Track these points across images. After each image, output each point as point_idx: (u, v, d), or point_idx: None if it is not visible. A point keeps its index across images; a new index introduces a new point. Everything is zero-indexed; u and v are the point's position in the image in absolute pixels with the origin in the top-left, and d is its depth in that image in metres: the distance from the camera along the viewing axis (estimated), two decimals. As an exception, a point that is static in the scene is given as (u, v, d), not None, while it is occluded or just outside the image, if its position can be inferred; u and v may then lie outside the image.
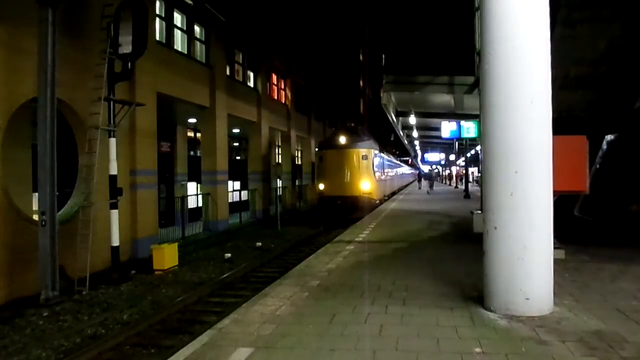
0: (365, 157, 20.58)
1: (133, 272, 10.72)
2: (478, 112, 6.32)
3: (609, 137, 15.35)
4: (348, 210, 19.35)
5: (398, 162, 40.24)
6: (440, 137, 31.51)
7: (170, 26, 15.25)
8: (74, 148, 10.67)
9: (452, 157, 48.70)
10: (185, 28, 16.30)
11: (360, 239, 10.62)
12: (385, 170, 26.83)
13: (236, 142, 25.69)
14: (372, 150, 21.36)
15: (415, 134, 38.22)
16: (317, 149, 23.68)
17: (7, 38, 8.56)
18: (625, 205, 13.67)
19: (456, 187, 40.88)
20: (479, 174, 28.37)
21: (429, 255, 8.47)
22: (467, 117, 22.16)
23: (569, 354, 3.80)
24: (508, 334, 4.26)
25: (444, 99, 19.90)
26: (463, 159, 38.33)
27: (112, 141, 10.24)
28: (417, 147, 59.61)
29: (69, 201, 10.53)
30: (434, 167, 64.26)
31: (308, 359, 3.89)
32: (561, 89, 10.98)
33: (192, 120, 19.52)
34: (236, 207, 20.55)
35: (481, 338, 4.18)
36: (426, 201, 23.90)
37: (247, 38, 20.89)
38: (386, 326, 4.57)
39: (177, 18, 15.95)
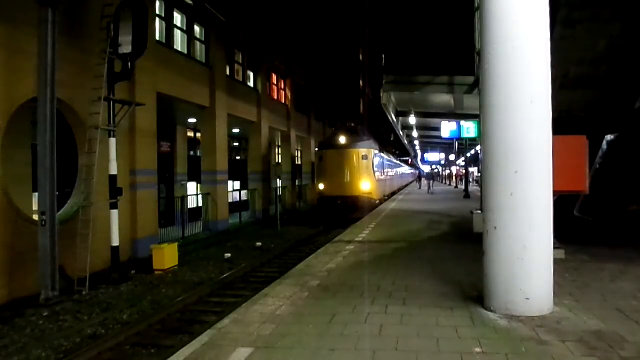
0: (365, 157, 20.58)
1: (133, 272, 10.72)
2: (478, 112, 6.32)
3: (609, 137, 15.35)
4: (348, 210, 19.35)
5: (398, 162, 40.24)
6: (440, 137, 31.53)
7: (170, 26, 15.25)
8: (74, 148, 10.67)
9: (452, 157, 48.71)
10: (185, 28, 16.31)
11: (360, 239, 10.62)
12: (385, 170, 26.83)
13: (236, 142, 25.70)
14: (372, 150, 21.36)
15: (415, 134, 38.24)
16: (317, 149, 23.68)
17: (7, 38, 8.56)
18: (625, 205, 13.68)
19: (456, 187, 40.89)
20: (479, 174, 28.39)
21: (429, 255, 8.47)
22: (467, 117, 22.17)
23: (569, 354, 3.80)
24: (508, 334, 4.26)
25: (444, 99, 19.91)
26: (463, 159, 38.34)
27: (112, 141, 10.24)
28: (417, 147, 59.64)
29: (69, 201, 10.53)
30: (433, 167, 64.27)
31: (308, 359, 3.89)
32: (561, 89, 10.98)
33: (192, 120, 19.52)
34: (236, 207, 20.56)
35: (481, 338, 4.18)
36: (426, 201, 23.90)
37: (247, 38, 20.89)
38: (386, 326, 4.57)
39: (177, 18, 15.96)
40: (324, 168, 21.06)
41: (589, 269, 6.91)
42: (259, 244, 14.85)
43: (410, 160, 64.66)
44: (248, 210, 21.62)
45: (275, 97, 25.85)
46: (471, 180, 40.70)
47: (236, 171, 22.90)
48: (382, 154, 25.01)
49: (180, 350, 4.18)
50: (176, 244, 11.99)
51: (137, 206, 12.48)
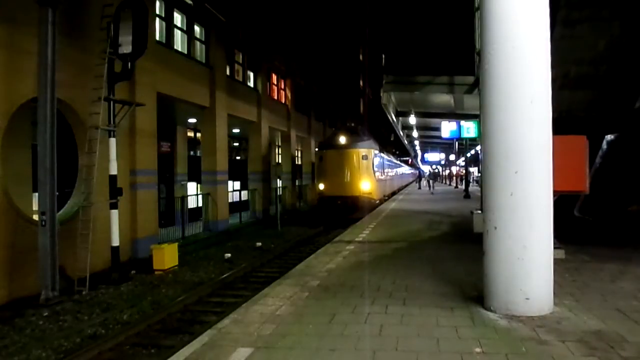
0: (365, 157, 20.58)
1: (133, 272, 10.72)
2: (478, 112, 6.32)
3: (609, 137, 15.34)
4: (348, 210, 19.35)
5: (398, 162, 40.24)
6: (440, 137, 31.52)
7: (170, 26, 15.25)
8: (74, 148, 10.67)
9: (452, 157, 48.70)
10: (185, 28, 16.31)
11: (360, 239, 10.62)
12: (385, 170, 26.83)
13: (236, 142, 25.70)
14: (372, 150, 21.36)
15: (415, 134, 38.23)
16: (317, 149, 23.68)
17: (7, 38, 8.56)
18: (625, 205, 13.68)
19: (456, 187, 40.88)
20: (479, 174, 28.37)
21: (429, 255, 8.47)
22: (467, 117, 22.16)
23: (569, 354, 3.80)
24: (508, 334, 4.26)
25: (444, 99, 19.91)
26: (463, 159, 38.32)
27: (112, 141, 10.24)
28: (417, 147, 59.63)
29: (69, 201, 10.53)
30: (434, 167, 64.27)
31: (308, 359, 3.89)
32: (561, 89, 10.99)
33: (192, 120, 19.53)
34: (236, 207, 20.56)
35: (481, 338, 4.18)
36: (426, 201, 23.91)
37: (247, 38, 20.89)
38: (386, 326, 4.57)
39: (177, 18, 15.96)
40: (324, 168, 21.06)
41: (589, 269, 6.91)
42: (259, 244, 14.84)
43: (410, 160, 64.65)
44: (248, 210, 21.61)
45: (275, 97, 25.85)
46: (471, 180, 40.68)
47: (236, 171, 22.90)
48: (382, 154, 25.01)
49: (180, 350, 4.18)
50: (176, 244, 11.99)
51: (137, 206, 12.48)
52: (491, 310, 4.83)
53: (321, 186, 20.79)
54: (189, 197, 17.85)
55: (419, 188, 40.21)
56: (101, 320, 7.58)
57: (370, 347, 4.06)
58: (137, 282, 10.06)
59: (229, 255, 12.82)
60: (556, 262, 5.13)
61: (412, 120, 26.88)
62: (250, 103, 21.41)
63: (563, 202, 9.95)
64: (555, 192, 4.93)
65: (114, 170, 10.28)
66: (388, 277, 6.67)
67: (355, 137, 21.62)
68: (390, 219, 15.14)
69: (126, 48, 10.00)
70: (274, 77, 25.63)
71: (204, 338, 4.40)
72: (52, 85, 8.67)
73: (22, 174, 10.26)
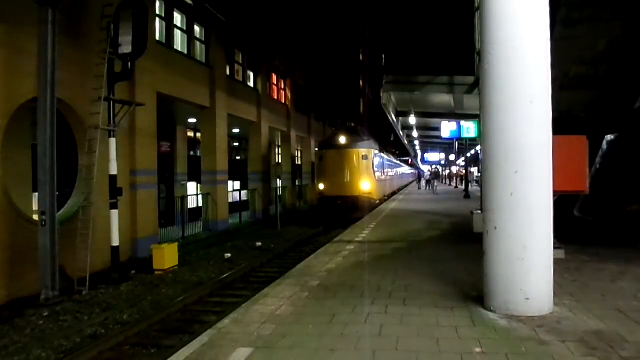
0: (365, 157, 20.58)
1: (133, 272, 10.72)
2: (478, 112, 6.32)
3: (609, 137, 15.34)
4: (348, 210, 19.35)
5: (398, 162, 40.25)
6: (440, 137, 31.49)
7: (170, 26, 15.25)
8: (74, 148, 10.67)
9: (452, 157, 48.69)
10: (185, 28, 16.31)
11: (360, 239, 10.62)
12: (385, 170, 26.83)
13: (236, 142, 25.71)
14: (372, 150, 21.37)
15: (415, 134, 38.21)
16: (317, 149, 23.68)
17: (7, 38, 8.56)
18: (625, 205, 13.67)
19: (456, 187, 40.87)
20: (479, 174, 28.36)
21: (429, 255, 8.47)
22: (467, 117, 22.16)
23: (569, 354, 3.80)
24: (508, 334, 4.26)
25: (444, 99, 19.90)
26: (463, 159, 38.31)
27: (112, 141, 10.24)
28: (417, 147, 59.62)
29: (69, 201, 10.53)
30: (434, 167, 64.23)
31: (308, 359, 3.89)
32: (561, 89, 10.99)
33: (192, 120, 19.53)
34: (236, 207, 20.55)
35: (481, 338, 4.18)
36: (426, 201, 23.91)
37: (247, 38, 20.89)
38: (386, 326, 4.57)
39: (177, 18, 15.96)
40: (324, 168, 21.06)
41: (589, 269, 6.91)
42: (259, 244, 14.85)
43: (410, 160, 64.66)
44: (248, 210, 21.61)
45: (275, 97, 25.85)
46: (471, 180, 40.64)
47: (236, 171, 22.90)
48: (382, 154, 25.01)
49: (180, 350, 4.18)
50: (176, 244, 11.99)
51: (137, 206, 12.48)
52: (491, 310, 4.83)
53: (321, 186, 20.79)
54: (189, 197, 17.85)
55: (419, 188, 40.21)
56: (101, 320, 7.58)
57: (370, 347, 4.06)
58: (137, 282, 10.06)
59: (229, 255, 12.83)
60: (556, 262, 5.13)
61: (412, 120, 26.87)
62: (250, 103, 21.41)
63: (563, 202, 9.94)
64: (555, 192, 4.93)
65: (114, 170, 10.28)
66: (388, 277, 6.67)
67: (355, 137, 21.61)
68: (390, 219, 15.14)
69: (126, 48, 10.00)
70: (274, 77, 25.63)
71: (204, 338, 4.40)
72: (52, 85, 8.68)
73: (22, 174, 10.27)
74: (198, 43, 17.08)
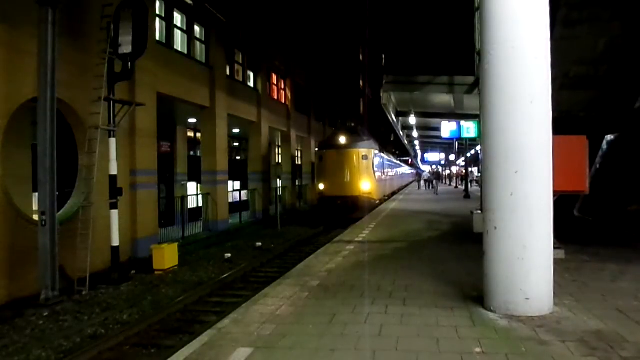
0: (365, 157, 20.58)
1: (133, 272, 10.72)
2: (478, 112, 6.32)
3: (609, 137, 15.34)
4: (348, 210, 19.34)
5: (398, 162, 40.23)
6: (440, 137, 31.49)
7: (170, 26, 15.25)
8: (74, 148, 10.67)
9: (452, 157, 48.68)
10: (185, 28, 16.30)
11: (360, 239, 10.62)
12: (385, 170, 26.83)
13: (236, 142, 25.70)
14: (372, 150, 21.37)
15: (415, 134, 38.19)
16: (317, 149, 23.68)
17: (7, 38, 8.56)
18: (625, 205, 13.66)
19: (456, 187, 40.86)
20: (479, 174, 28.33)
21: (429, 255, 8.47)
22: (467, 117, 22.15)
23: (569, 354, 3.80)
24: (508, 334, 4.26)
25: (444, 99, 19.90)
26: (463, 159, 38.28)
27: (112, 141, 10.24)
28: (417, 147, 59.61)
29: (69, 201, 10.53)
30: (434, 167, 64.21)
31: (308, 359, 3.89)
32: (561, 89, 10.98)
33: (192, 120, 19.53)
34: (236, 207, 20.55)
35: (481, 338, 4.18)
36: (426, 201, 23.91)
37: (247, 38, 20.89)
38: (386, 326, 4.57)
39: (177, 18, 15.95)
40: (324, 168, 21.06)
41: (589, 269, 6.91)
42: (259, 244, 14.84)
43: (410, 160, 64.66)
44: (248, 210, 21.61)
45: (275, 97, 25.84)
46: (471, 179, 40.59)
47: (236, 171, 22.90)
48: (382, 154, 25.01)
49: (180, 350, 4.18)
50: (176, 244, 11.99)
51: (137, 206, 12.48)
52: (491, 310, 4.83)
53: (321, 186, 20.79)
54: (189, 197, 17.84)
55: (419, 188, 40.19)
56: (101, 320, 7.58)
57: (370, 347, 4.06)
58: (137, 282, 10.06)
59: (229, 255, 12.82)
60: (556, 262, 5.13)
61: (412, 120, 26.86)
62: (250, 103, 21.41)
63: (563, 202, 9.94)
64: (555, 192, 4.93)
65: (114, 170, 10.28)
66: (388, 277, 6.67)
67: (355, 137, 21.61)
68: (390, 219, 15.14)
69: (126, 48, 10.00)
70: (274, 77, 25.63)
71: (204, 338, 4.40)
72: (52, 85, 8.68)
73: (22, 174, 10.26)
74: (198, 43, 17.08)
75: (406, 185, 46.81)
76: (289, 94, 27.47)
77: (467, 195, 25.24)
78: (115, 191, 10.28)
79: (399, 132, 39.73)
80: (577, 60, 11.25)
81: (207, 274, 10.94)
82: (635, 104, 12.58)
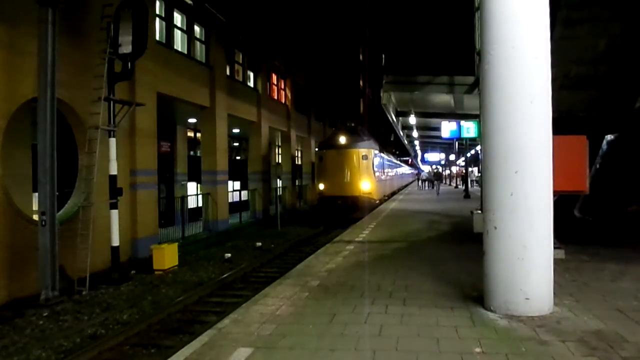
0: (365, 157, 20.59)
1: (133, 272, 10.72)
2: (478, 112, 6.32)
3: (609, 137, 15.34)
4: (348, 210, 19.35)
5: (398, 162, 40.23)
6: (440, 137, 31.48)
7: (170, 26, 15.25)
8: (74, 148, 10.67)
9: (452, 157, 48.66)
10: (185, 28, 16.31)
11: (360, 239, 10.62)
12: (385, 170, 26.83)
13: (236, 142, 25.70)
14: (372, 150, 21.37)
15: (415, 134, 38.19)
16: (317, 149, 23.69)
17: (7, 38, 8.56)
18: (625, 205, 13.66)
19: (456, 187, 40.86)
20: (479, 174, 28.32)
21: (429, 255, 8.47)
22: (467, 117, 22.16)
23: (569, 354, 3.80)
24: (508, 334, 4.26)
25: (444, 99, 19.90)
26: (463, 159, 38.27)
27: (112, 141, 10.24)
28: (417, 147, 59.60)
29: (69, 201, 10.53)
30: (434, 167, 64.16)
31: (308, 359, 3.89)
32: (561, 89, 10.99)
33: (192, 120, 19.53)
34: (236, 207, 20.55)
35: (481, 338, 4.18)
36: (426, 201, 23.91)
37: (247, 38, 20.89)
38: (386, 326, 4.57)
39: (177, 18, 15.95)
40: (324, 168, 21.06)
41: (589, 269, 6.91)
42: (259, 244, 14.85)
43: (410, 160, 64.64)
44: (248, 210, 21.61)
45: (275, 97, 25.85)
46: (470, 180, 40.53)
47: (236, 171, 22.90)
48: (382, 154, 25.01)
49: (180, 350, 4.18)
50: (176, 244, 11.99)
51: (137, 206, 12.48)
52: (491, 310, 4.83)
53: (321, 186, 20.79)
54: (189, 197, 17.84)
55: (419, 188, 40.17)
56: (101, 320, 7.58)
57: (370, 347, 4.06)
58: (137, 282, 10.06)
59: (229, 255, 12.82)
60: (556, 262, 5.13)
61: (412, 120, 26.86)
62: (250, 103, 21.41)
63: (563, 202, 9.94)
64: (555, 192, 4.93)
65: (114, 170, 10.28)
66: (388, 277, 6.67)
67: (355, 137, 21.62)
68: (390, 219, 15.14)
69: (126, 48, 10.00)
70: (274, 77, 25.63)
71: (204, 338, 4.40)
72: (52, 85, 8.68)
73: (22, 174, 10.26)
74: (198, 43, 17.08)
75: (406, 185, 46.81)
76: (289, 94, 27.47)
77: (467, 195, 25.24)
78: (115, 191, 10.28)
79: (399, 132, 39.72)
80: (577, 60, 11.24)
81: (207, 274, 10.94)
82: (635, 104, 12.57)
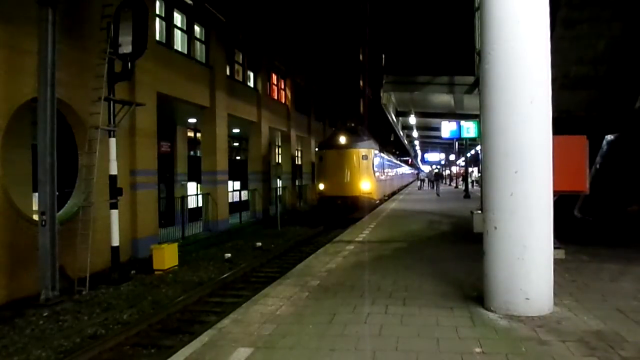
0: (365, 157, 20.59)
1: (133, 272, 10.72)
2: (478, 112, 6.32)
3: (609, 137, 15.33)
4: (348, 210, 19.35)
5: (398, 162, 40.23)
6: (440, 137, 31.50)
7: (170, 26, 15.25)
8: (74, 148, 10.67)
9: (452, 157, 48.66)
10: (185, 28, 16.31)
11: (360, 239, 10.62)
12: (385, 170, 26.82)
13: (236, 142, 25.70)
14: (372, 150, 21.37)
15: (415, 134, 38.22)
16: (317, 149, 23.69)
17: (7, 38, 8.56)
18: (625, 205, 13.66)
19: (456, 187, 40.86)
20: (479, 174, 28.32)
21: (429, 255, 8.47)
22: (467, 117, 22.18)
23: (569, 354, 3.80)
24: (508, 334, 4.26)
25: (444, 99, 19.92)
26: (463, 159, 38.27)
27: (112, 141, 10.24)
28: (417, 147, 59.61)
29: (69, 201, 10.53)
30: (434, 167, 64.16)
31: (308, 359, 3.89)
32: (561, 89, 10.97)
33: (192, 120, 19.53)
34: (236, 207, 20.56)
35: (481, 338, 4.18)
36: (426, 201, 23.90)
37: (247, 38, 20.90)
38: (386, 326, 4.57)
39: (177, 18, 15.96)
40: (324, 168, 21.07)
41: (589, 269, 6.91)
42: (259, 244, 14.84)
43: (410, 160, 64.65)
44: (248, 210, 21.61)
45: (275, 97, 25.85)
46: (470, 180, 40.50)
47: (236, 171, 22.90)
48: (382, 154, 25.01)
49: (180, 350, 4.18)
50: (176, 244, 11.99)
51: (137, 206, 12.48)
52: (491, 310, 4.83)
53: (321, 186, 20.79)
54: (189, 197, 17.84)
55: (419, 188, 40.18)
56: (101, 320, 7.58)
57: (371, 347, 4.06)
58: (137, 282, 10.06)
59: (229, 255, 12.82)
60: (556, 262, 5.13)
61: (412, 120, 26.89)
62: (250, 103, 21.41)
63: (563, 202, 9.94)
64: (555, 192, 4.93)
65: (114, 170, 10.28)
66: (388, 277, 6.67)
67: (355, 137, 21.61)
68: (390, 219, 15.14)
69: (126, 48, 9.99)
70: (274, 77, 25.63)
71: (204, 338, 4.40)
72: (52, 85, 8.68)
73: (22, 174, 10.26)
74: (198, 43, 17.08)
75: (406, 185, 46.81)
76: (289, 94, 27.48)
77: (467, 195, 25.24)
78: (115, 191, 10.28)
79: (399, 132, 39.76)
80: (577, 60, 11.25)
81: (207, 274, 10.94)
82: (635, 104, 12.56)
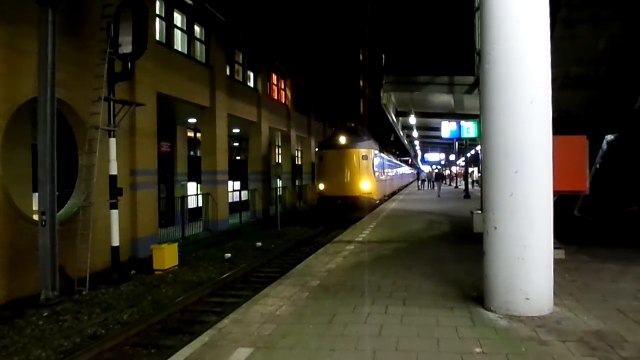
0: (365, 157, 20.59)
1: (133, 272, 10.72)
2: (478, 112, 6.32)
3: (609, 137, 15.33)
4: (348, 210, 19.35)
5: (398, 162, 40.22)
6: (440, 137, 31.49)
7: (170, 26, 15.25)
8: (74, 148, 10.67)
9: (452, 157, 48.66)
10: (185, 28, 16.31)
11: (360, 239, 10.62)
12: (385, 170, 26.82)
13: (236, 142, 25.71)
14: (372, 150, 21.37)
15: (415, 134, 38.22)
16: (317, 149, 23.69)
17: (7, 38, 8.56)
18: (625, 205, 13.66)
19: (456, 187, 40.86)
20: (479, 174, 28.33)
21: (429, 255, 8.47)
22: (467, 117, 22.18)
23: (569, 354, 3.80)
24: (508, 334, 4.26)
25: (444, 99, 19.92)
26: (463, 159, 38.28)
27: (112, 141, 10.24)
28: (417, 147, 59.61)
29: (69, 201, 10.53)
30: (434, 167, 64.15)
31: (308, 359, 3.89)
32: (561, 89, 10.98)
33: (192, 120, 19.53)
34: (236, 207, 20.56)
35: (481, 338, 4.18)
36: (426, 201, 23.90)
37: (247, 38, 20.90)
38: (386, 326, 4.57)
39: (177, 18, 15.96)
40: (324, 168, 21.06)
41: (589, 269, 6.91)
42: (259, 244, 14.84)
43: (410, 160, 64.64)
44: (248, 210, 21.61)
45: (275, 97, 25.85)
46: (470, 180, 40.47)
47: (236, 171, 22.90)
48: (382, 154, 25.01)
49: (180, 350, 4.18)
50: (176, 244, 11.98)
51: (137, 206, 12.48)
52: (491, 310, 4.83)
53: (321, 186, 20.79)
54: (189, 197, 17.84)
55: (419, 188, 40.18)
56: (101, 320, 7.58)
57: (371, 347, 4.06)
58: (137, 282, 10.05)
59: (229, 255, 12.82)
60: (556, 262, 5.13)
61: (412, 120, 26.89)
62: (250, 103, 21.42)
63: (563, 202, 9.94)
64: (555, 192, 4.93)
65: (114, 170, 10.28)
66: (388, 277, 6.67)
67: (355, 137, 21.61)
68: (390, 219, 15.14)
69: (126, 48, 9.99)
70: (274, 77, 25.64)
71: (204, 338, 4.40)
72: (52, 85, 8.67)
73: (22, 174, 10.26)
74: (198, 43, 17.08)
75: (406, 185, 46.80)
76: (289, 94, 27.48)
77: (467, 195, 25.24)
78: (115, 191, 10.28)
79: (399, 132, 39.76)
80: (577, 60, 11.25)
81: (207, 274, 10.94)
82: (635, 104, 12.56)
